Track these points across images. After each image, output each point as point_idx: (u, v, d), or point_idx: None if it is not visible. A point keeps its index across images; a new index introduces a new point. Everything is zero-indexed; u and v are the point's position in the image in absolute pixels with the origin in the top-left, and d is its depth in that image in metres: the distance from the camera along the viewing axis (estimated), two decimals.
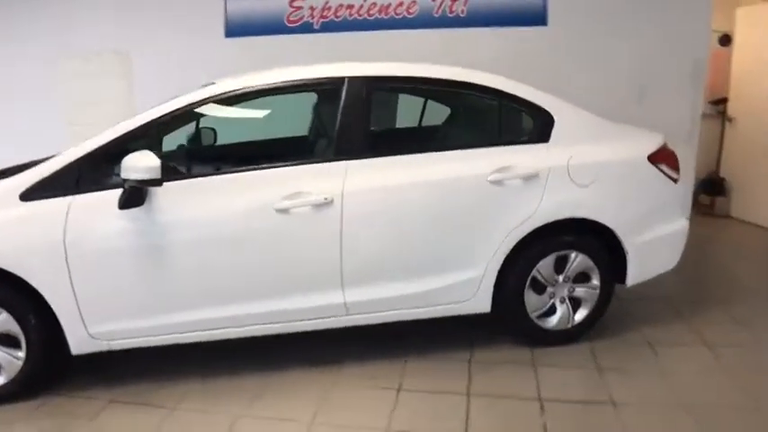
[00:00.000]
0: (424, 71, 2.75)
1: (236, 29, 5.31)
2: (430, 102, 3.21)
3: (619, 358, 2.72)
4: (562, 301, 2.82)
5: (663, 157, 2.85)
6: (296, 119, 3.27)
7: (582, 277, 2.81)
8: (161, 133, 2.64)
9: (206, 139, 3.20)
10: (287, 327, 2.59)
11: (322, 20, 5.14)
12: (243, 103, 2.66)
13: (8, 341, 2.40)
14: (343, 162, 2.51)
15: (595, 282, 2.81)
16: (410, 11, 5.04)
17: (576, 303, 2.84)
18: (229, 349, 2.72)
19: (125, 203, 2.29)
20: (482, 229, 2.62)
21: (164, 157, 2.36)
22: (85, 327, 2.40)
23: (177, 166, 2.64)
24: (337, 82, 2.59)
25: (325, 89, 2.75)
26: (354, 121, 2.55)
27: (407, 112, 3.31)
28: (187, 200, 2.41)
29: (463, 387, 2.49)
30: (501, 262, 2.66)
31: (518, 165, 2.63)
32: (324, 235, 2.48)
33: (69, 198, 2.33)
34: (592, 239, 2.77)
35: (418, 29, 5.00)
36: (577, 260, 2.77)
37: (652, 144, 2.86)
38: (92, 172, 2.37)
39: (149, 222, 2.36)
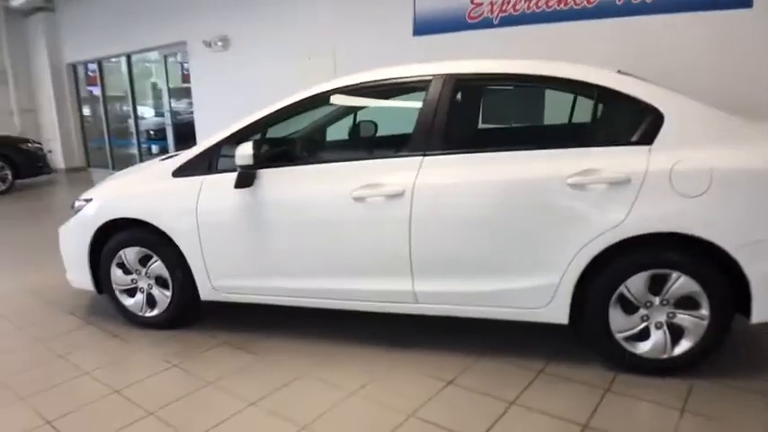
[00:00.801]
0: (512, 67, 2.67)
1: (422, 28, 5.70)
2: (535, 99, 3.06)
3: (715, 403, 2.27)
4: (658, 327, 2.45)
5: None
6: (393, 115, 3.45)
7: (687, 303, 2.40)
8: (269, 126, 3.04)
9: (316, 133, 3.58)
10: (361, 305, 2.82)
11: (501, 14, 5.19)
12: (346, 100, 2.96)
13: (162, 283, 3.15)
14: (419, 157, 2.62)
15: (704, 311, 2.38)
16: (589, 0, 4.71)
17: (677, 332, 2.44)
18: (318, 316, 3.07)
19: (237, 184, 2.81)
20: (559, 235, 2.45)
21: (275, 146, 2.84)
22: (209, 279, 3.02)
23: (288, 154, 3.06)
24: (423, 81, 2.71)
25: (415, 88, 2.87)
26: (434, 118, 2.63)
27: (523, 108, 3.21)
28: (284, 184, 2.82)
29: (513, 395, 2.40)
30: (580, 271, 2.45)
31: (606, 168, 2.38)
32: (396, 224, 2.63)
33: (202, 177, 2.95)
34: (700, 260, 2.34)
35: (598, 19, 4.67)
36: (679, 282, 2.37)
37: None
38: (218, 158, 2.96)
39: (255, 201, 2.84)
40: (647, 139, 2.40)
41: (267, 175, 2.83)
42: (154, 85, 10.34)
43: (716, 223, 2.29)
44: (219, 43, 7.62)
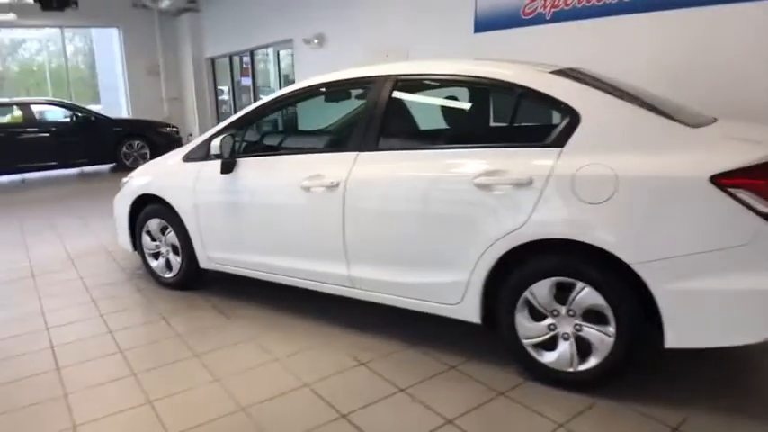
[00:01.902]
0: (440, 68, 2.72)
1: (482, 25, 5.79)
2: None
3: (607, 425, 2.15)
4: (566, 338, 2.36)
5: (746, 181, 1.98)
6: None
7: (594, 316, 2.28)
8: (253, 122, 3.43)
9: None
10: (310, 285, 3.10)
11: (554, 9, 5.10)
12: (309, 99, 3.23)
13: (176, 251, 3.73)
14: (354, 153, 2.81)
15: (610, 327, 2.24)
16: None
17: (585, 346, 2.33)
18: (301, 294, 3.39)
19: (222, 170, 3.24)
20: (466, 234, 2.47)
21: (253, 140, 3.22)
22: (205, 250, 3.52)
23: (259, 147, 3.42)
24: (368, 82, 2.88)
25: (363, 88, 3.03)
26: (370, 117, 2.79)
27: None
28: (253, 172, 3.19)
29: (407, 383, 2.50)
30: (487, 271, 2.45)
31: (512, 169, 2.35)
32: (332, 213, 2.85)
33: (202, 163, 3.44)
34: (604, 272, 2.21)
35: (647, 12, 4.37)
36: (583, 293, 2.27)
37: (735, 158, 2.02)
38: None
39: (233, 185, 3.25)
40: (561, 141, 2.31)
41: (243, 164, 3.23)
42: (285, 77, 11.35)
43: (617, 234, 2.15)
44: (316, 41, 8.26)
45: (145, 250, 3.93)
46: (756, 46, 3.75)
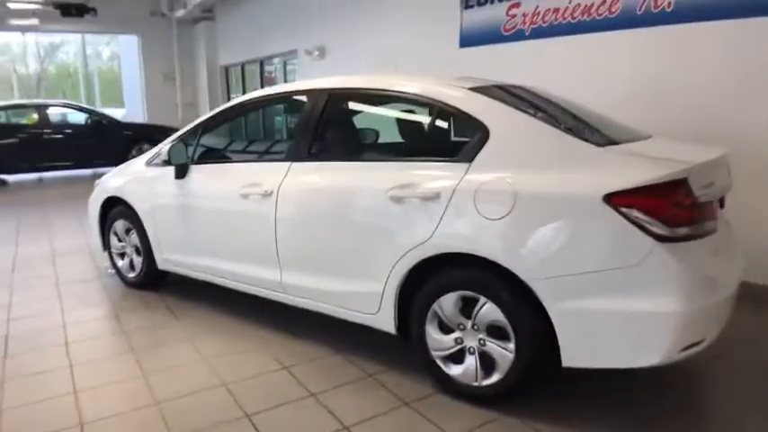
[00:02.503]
0: (364, 83, 2.81)
1: (467, 40, 5.88)
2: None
3: None
4: (471, 352, 2.38)
5: (639, 201, 1.98)
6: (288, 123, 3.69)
7: (497, 332, 2.30)
8: (205, 131, 3.52)
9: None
10: (248, 289, 3.19)
11: (532, 26, 5.16)
12: (254, 110, 3.35)
13: (138, 251, 3.86)
14: (288, 163, 2.90)
15: (511, 344, 2.25)
16: (612, 10, 4.41)
17: (489, 361, 2.34)
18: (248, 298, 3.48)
19: (176, 175, 3.37)
20: (380, 245, 2.53)
21: (205, 147, 3.35)
22: (161, 252, 3.64)
23: (210, 154, 3.54)
24: (300, 95, 2.99)
25: (297, 101, 3.12)
26: (300, 129, 2.89)
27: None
28: (202, 178, 3.32)
29: (320, 389, 2.55)
30: (398, 283, 2.50)
31: (422, 183, 2.40)
32: (266, 220, 2.94)
33: (160, 168, 3.57)
34: (504, 287, 2.23)
35: (621, 29, 4.38)
36: (485, 308, 2.29)
37: (632, 178, 2.03)
38: None
39: (184, 190, 3.38)
40: (470, 155, 2.35)
41: (195, 170, 3.36)
42: None
43: (514, 250, 2.17)
44: (317, 52, 8.42)
45: (112, 250, 4.08)
46: (729, 64, 3.71)
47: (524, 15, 5.18)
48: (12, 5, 9.73)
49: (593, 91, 4.58)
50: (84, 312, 3.57)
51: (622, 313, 2.02)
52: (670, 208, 1.98)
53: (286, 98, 3.21)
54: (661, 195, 1.99)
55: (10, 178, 9.65)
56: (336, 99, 2.92)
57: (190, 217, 3.39)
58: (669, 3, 4.01)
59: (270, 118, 3.22)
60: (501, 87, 2.72)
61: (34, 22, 10.39)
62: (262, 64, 10.86)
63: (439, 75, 2.86)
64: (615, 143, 2.36)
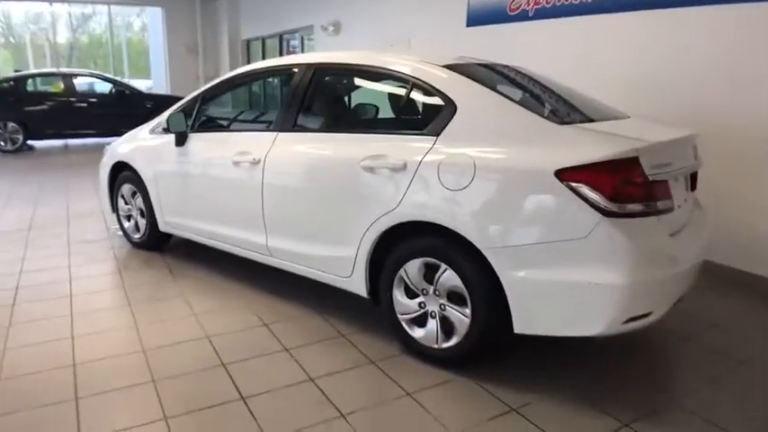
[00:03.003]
0: (345, 58, 2.92)
1: (474, 19, 5.90)
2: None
3: (445, 400, 2.32)
4: (433, 316, 2.53)
5: (588, 177, 2.08)
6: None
7: (456, 297, 2.43)
8: (204, 101, 3.67)
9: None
10: (240, 252, 3.38)
11: (536, 6, 5.16)
12: (249, 83, 3.48)
13: (143, 214, 4.08)
14: (275, 133, 3.05)
15: (467, 309, 2.39)
16: None
17: (449, 325, 2.48)
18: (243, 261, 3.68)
19: (176, 143, 3.56)
20: (353, 212, 2.67)
21: (203, 117, 3.53)
22: (162, 214, 3.86)
23: (207, 123, 3.69)
24: (292, 69, 3.11)
25: (286, 74, 3.25)
26: (287, 101, 3.03)
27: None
28: (200, 146, 3.49)
29: (293, 345, 2.74)
30: (369, 250, 2.65)
31: (391, 154, 2.53)
32: (254, 187, 3.11)
33: (162, 136, 3.76)
34: (462, 255, 2.35)
35: (625, 12, 4.34)
36: (445, 275, 2.43)
37: (583, 156, 2.11)
38: None
39: (183, 157, 3.56)
40: (438, 129, 2.46)
41: (193, 138, 3.54)
42: None
43: (471, 220, 2.29)
44: (332, 28, 8.49)
45: (120, 212, 4.32)
46: (736, 47, 3.68)
47: None
48: None
49: (596, 71, 4.60)
50: (90, 269, 3.82)
51: (569, 283, 2.13)
52: (618, 185, 2.07)
53: (278, 72, 3.34)
54: (609, 172, 2.07)
55: (37, 144, 10.06)
56: (320, 73, 3.04)
57: (188, 182, 3.59)
58: None
59: (264, 90, 3.33)
60: (485, 66, 2.80)
61: None
62: (281, 38, 10.96)
63: (425, 52, 2.94)
64: (590, 121, 2.46)
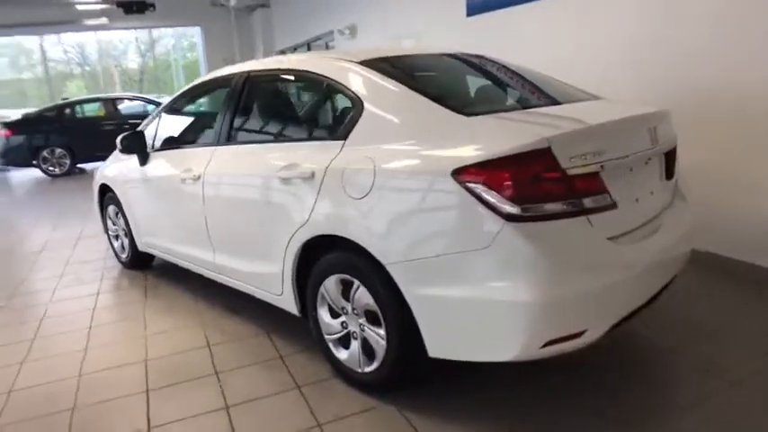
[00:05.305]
0: (272, 64, 2.77)
1: (473, 8, 5.60)
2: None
3: (358, 426, 2.08)
4: (355, 338, 2.30)
5: (487, 176, 1.78)
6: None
7: (374, 318, 2.19)
8: (161, 119, 3.64)
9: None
10: (195, 269, 3.30)
11: None
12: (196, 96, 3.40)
13: (126, 235, 4.12)
14: (213, 148, 2.94)
15: (382, 330, 2.14)
16: None
17: (370, 348, 2.25)
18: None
19: (140, 162, 3.55)
20: (275, 226, 2.49)
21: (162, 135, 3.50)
22: (138, 234, 3.86)
23: (164, 141, 3.59)
24: (225, 80, 3.04)
25: (224, 86, 3.10)
26: (222, 114, 2.92)
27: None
28: (156, 165, 3.46)
29: (227, 367, 2.61)
30: (292, 266, 2.46)
31: (302, 163, 2.33)
32: (198, 204, 3.01)
33: (132, 157, 3.75)
34: (371, 271, 2.11)
35: None
36: (359, 292, 2.20)
37: (487, 149, 1.81)
38: None
39: (144, 176, 3.54)
40: (346, 132, 2.24)
41: (153, 157, 3.51)
42: None
43: (373, 232, 2.05)
44: (347, 31, 8.38)
45: (109, 233, 4.40)
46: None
47: None
48: (80, 7, 10.63)
49: (600, 50, 4.14)
50: (72, 290, 3.90)
51: (476, 301, 1.83)
52: (521, 182, 1.75)
53: (219, 83, 3.22)
54: (511, 169, 1.76)
55: (88, 166, 10.67)
56: (250, 82, 2.89)
57: (152, 201, 3.56)
58: None
59: (213, 103, 3.26)
60: (428, 57, 2.60)
61: (104, 21, 11.29)
62: (309, 46, 10.98)
63: (361, 49, 2.73)
64: (555, 104, 2.28)
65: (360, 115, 2.20)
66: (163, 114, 3.62)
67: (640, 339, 2.64)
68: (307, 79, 2.57)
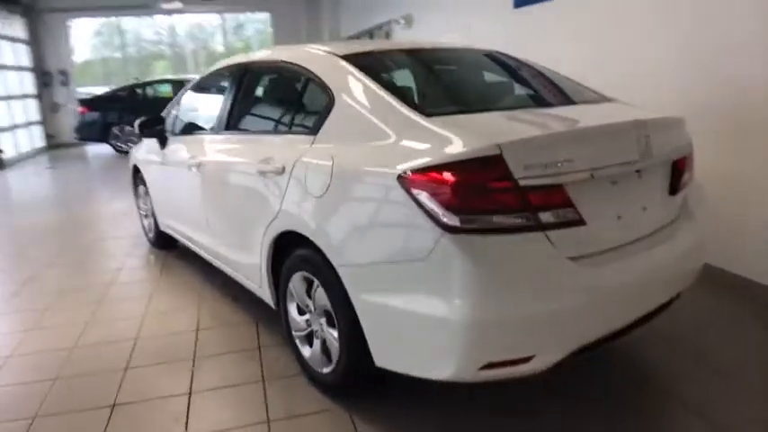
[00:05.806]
0: (264, 55, 2.76)
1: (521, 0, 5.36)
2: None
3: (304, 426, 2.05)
4: (317, 337, 2.26)
5: (430, 182, 1.66)
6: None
7: (331, 319, 2.14)
8: (177, 106, 3.73)
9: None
10: (199, 252, 3.38)
11: None
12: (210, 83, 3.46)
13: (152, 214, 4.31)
14: (213, 135, 2.99)
15: (335, 332, 2.09)
16: None
17: (327, 348, 2.20)
18: None
19: (160, 145, 3.68)
20: (253, 218, 2.49)
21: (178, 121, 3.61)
22: (160, 216, 4.03)
23: (180, 127, 3.66)
24: (229, 70, 3.08)
25: (227, 75, 3.13)
26: (223, 102, 2.97)
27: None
28: (173, 149, 3.56)
29: (207, 353, 2.66)
30: (267, 259, 2.45)
31: (276, 157, 2.31)
32: (199, 191, 3.08)
33: (154, 139, 3.90)
34: (327, 271, 2.04)
35: None
36: (318, 291, 2.15)
37: (434, 153, 1.70)
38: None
39: (163, 159, 3.67)
40: (317, 127, 2.18)
41: (171, 141, 3.62)
42: None
43: (327, 231, 1.99)
44: (403, 21, 8.27)
45: (140, 212, 4.61)
46: None
47: None
48: None
49: (658, 44, 3.73)
50: (96, 265, 4.15)
51: (413, 315, 1.72)
52: (464, 191, 1.62)
53: (223, 74, 3.26)
54: (454, 176, 1.63)
55: None
56: (246, 73, 2.90)
57: (167, 185, 3.69)
58: None
59: (218, 92, 3.31)
60: (429, 51, 2.54)
61: (178, 5, 11.82)
62: (371, 34, 10.94)
63: (349, 42, 2.65)
64: (549, 106, 2.19)
65: (330, 110, 2.14)
66: (181, 101, 3.73)
67: (637, 363, 2.41)
68: (292, 71, 2.53)
